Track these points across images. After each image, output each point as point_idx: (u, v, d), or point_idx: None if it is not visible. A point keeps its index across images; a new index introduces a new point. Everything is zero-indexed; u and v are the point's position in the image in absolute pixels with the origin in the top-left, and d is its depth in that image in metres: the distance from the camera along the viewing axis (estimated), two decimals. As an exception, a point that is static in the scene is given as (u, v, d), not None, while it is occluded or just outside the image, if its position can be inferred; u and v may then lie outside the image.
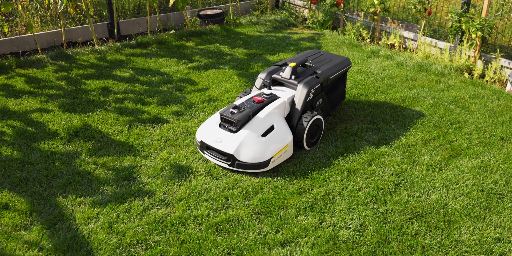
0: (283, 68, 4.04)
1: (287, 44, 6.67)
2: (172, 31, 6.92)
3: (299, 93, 3.72)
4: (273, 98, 3.70)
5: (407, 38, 6.53)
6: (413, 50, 6.34)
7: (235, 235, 2.82)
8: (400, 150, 3.82)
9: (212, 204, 3.11)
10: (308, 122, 3.61)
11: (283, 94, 3.79)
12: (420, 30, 6.28)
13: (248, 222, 2.94)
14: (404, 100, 4.77)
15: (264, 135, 3.46)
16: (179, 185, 3.31)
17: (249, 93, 4.02)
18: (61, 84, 5.08)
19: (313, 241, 2.78)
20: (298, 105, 3.70)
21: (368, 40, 6.83)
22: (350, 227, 2.92)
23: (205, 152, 3.55)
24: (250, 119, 3.51)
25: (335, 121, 4.29)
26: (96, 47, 6.19)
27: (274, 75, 3.94)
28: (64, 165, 3.54)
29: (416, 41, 6.36)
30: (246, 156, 3.36)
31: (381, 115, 4.42)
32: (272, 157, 3.40)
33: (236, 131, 3.46)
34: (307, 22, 8.01)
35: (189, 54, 6.15)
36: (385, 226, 2.93)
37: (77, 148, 3.79)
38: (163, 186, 3.29)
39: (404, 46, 6.60)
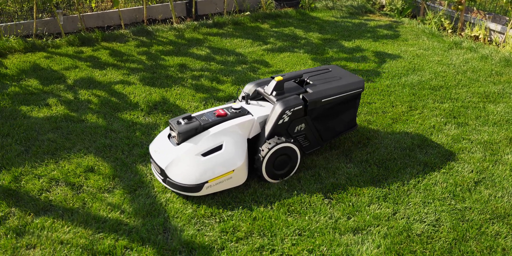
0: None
1: (363, 31, 6.49)
2: (248, 13, 6.95)
3: (272, 113, 3.08)
4: (240, 114, 3.13)
5: (494, 30, 6.13)
6: (500, 44, 5.94)
7: (306, 217, 2.84)
8: (482, 147, 3.63)
9: (284, 184, 3.14)
10: (269, 149, 2.99)
11: (258, 111, 3.18)
12: (509, 23, 5.86)
13: (320, 206, 2.94)
14: (488, 95, 4.51)
15: (205, 154, 2.93)
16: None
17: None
18: (142, 59, 5.29)
19: (386, 231, 2.74)
20: (267, 128, 3.08)
21: (449, 31, 6.49)
22: (425, 221, 2.84)
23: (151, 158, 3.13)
24: (196, 134, 3.02)
25: (411, 112, 4.15)
26: (175, 25, 6.37)
27: (258, 88, 3.34)
28: (144, 135, 3.71)
29: (503, 34, 5.95)
30: (176, 174, 2.91)
31: (462, 110, 4.21)
32: (207, 182, 2.88)
33: (178, 144, 3.01)
34: (385, 9, 7.74)
35: (264, 36, 6.16)
36: (463, 224, 2.82)
37: (155, 120, 3.95)
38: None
39: (489, 38, 6.20)
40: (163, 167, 2.94)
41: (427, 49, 5.79)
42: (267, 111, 3.17)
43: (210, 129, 3.03)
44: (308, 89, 3.25)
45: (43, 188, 3.06)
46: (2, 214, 2.81)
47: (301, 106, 3.11)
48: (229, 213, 2.87)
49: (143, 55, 5.40)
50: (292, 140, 3.10)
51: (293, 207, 2.92)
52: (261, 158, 3.00)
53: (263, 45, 5.79)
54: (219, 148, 2.96)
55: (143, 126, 3.85)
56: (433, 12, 6.90)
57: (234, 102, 3.44)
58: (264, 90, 3.30)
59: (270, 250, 2.59)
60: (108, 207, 2.91)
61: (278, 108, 3.05)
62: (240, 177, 3.01)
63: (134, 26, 6.24)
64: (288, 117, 3.09)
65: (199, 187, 2.88)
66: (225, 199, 2.98)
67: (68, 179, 3.15)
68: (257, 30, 6.35)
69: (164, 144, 3.07)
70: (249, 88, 3.39)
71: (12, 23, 5.89)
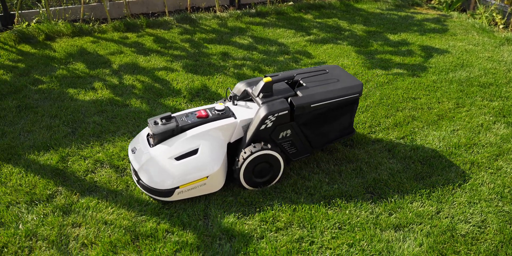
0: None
1: (409, 24, 6.30)
2: (291, 3, 6.87)
3: (255, 118, 2.86)
4: (223, 116, 2.94)
5: (551, 27, 5.81)
6: (557, 41, 5.64)
7: (347, 211, 2.80)
8: (534, 148, 3.48)
9: (324, 177, 3.11)
10: (248, 156, 2.80)
11: (243, 113, 2.96)
12: None
13: (361, 200, 2.90)
14: (542, 95, 4.30)
15: (179, 158, 2.78)
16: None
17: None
18: (185, 46, 5.33)
19: (429, 230, 2.67)
20: (249, 133, 2.87)
21: (501, 26, 6.20)
22: (470, 222, 2.75)
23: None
24: (173, 135, 2.87)
25: (458, 109, 4.01)
26: (218, 13, 6.37)
27: (248, 88, 3.10)
28: (186, 122, 3.75)
29: (562, 30, 5.64)
30: (147, 177, 2.79)
31: (513, 109, 4.04)
32: (178, 187, 2.74)
33: (153, 146, 2.87)
34: (433, 2, 7.48)
35: (307, 26, 6.08)
36: (510, 227, 2.72)
37: (198, 108, 3.98)
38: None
39: (545, 35, 5.89)
40: (136, 168, 2.84)
41: (477, 45, 5.57)
42: (252, 114, 2.94)
43: (187, 132, 2.85)
44: (298, 92, 2.97)
45: (89, 169, 3.15)
46: (50, 192, 2.91)
47: (286, 112, 2.85)
48: (269, 203, 2.87)
49: (186, 42, 5.44)
50: (270, 147, 2.84)
51: (333, 200, 2.89)
52: (239, 165, 2.82)
53: (306, 36, 5.72)
54: (194, 152, 2.79)
55: (185, 113, 3.89)
56: (484, 6, 6.61)
57: (225, 101, 3.22)
58: (252, 90, 3.05)
59: (309, 241, 2.58)
60: (150, 190, 2.96)
61: (261, 113, 2.82)
62: (215, 184, 2.84)
63: (178, 14, 6.29)
64: (271, 123, 2.85)
65: (170, 192, 2.74)
66: (265, 189, 2.98)
67: (112, 162, 3.22)
68: (300, 21, 6.27)
69: (141, 143, 2.93)
70: (238, 88, 3.15)
71: (60, 7, 6.05)
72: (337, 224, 2.71)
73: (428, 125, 3.77)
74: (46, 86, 4.30)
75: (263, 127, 2.84)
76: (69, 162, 3.22)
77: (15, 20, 5.70)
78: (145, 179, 2.79)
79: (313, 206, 2.84)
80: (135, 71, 4.66)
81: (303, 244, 2.56)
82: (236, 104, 3.08)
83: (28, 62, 4.80)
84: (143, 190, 2.86)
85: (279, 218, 2.74)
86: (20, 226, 2.63)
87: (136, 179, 2.90)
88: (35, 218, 2.69)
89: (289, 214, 2.77)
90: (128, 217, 2.72)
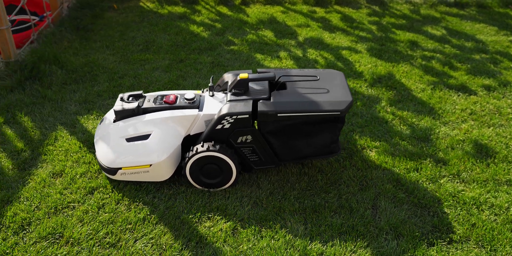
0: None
1: None
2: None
3: (216, 115, 2.64)
4: (188, 106, 2.76)
5: None
6: None
7: (537, 243, 2.45)
8: None
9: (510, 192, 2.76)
10: (193, 155, 2.60)
11: (212, 107, 2.75)
12: None
13: (557, 235, 2.50)
14: None
15: (130, 140, 2.70)
16: (476, 165, 3.03)
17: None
18: (371, 29, 5.15)
19: None
20: (206, 130, 2.67)
21: None
22: None
23: None
24: (134, 115, 2.77)
25: None
26: (411, -2, 5.99)
27: (231, 80, 2.86)
28: (365, 106, 3.64)
29: None
30: (99, 151, 2.78)
31: None
32: (121, 168, 2.67)
33: (114, 122, 2.81)
34: None
35: (513, 25, 5.37)
36: None
37: (378, 94, 3.83)
38: (456, 159, 3.07)
39: None
40: (94, 140, 2.87)
41: None
42: (218, 110, 2.73)
43: (146, 115, 2.74)
44: (272, 97, 2.66)
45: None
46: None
47: (246, 116, 2.56)
48: (445, 210, 2.65)
49: (374, 25, 5.25)
50: (218, 149, 2.58)
51: (521, 227, 2.55)
52: (185, 163, 2.65)
53: (511, 36, 5.06)
54: (146, 137, 2.68)
55: (365, 97, 3.77)
56: None
57: (206, 90, 2.99)
58: (228, 84, 2.84)
59: (487, 264, 2.33)
60: (324, 167, 2.97)
61: (221, 112, 2.61)
62: (159, 174, 2.70)
63: (369, -6, 6.08)
64: (229, 124, 2.59)
65: (113, 171, 2.70)
66: (442, 195, 2.76)
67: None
68: (506, 17, 5.56)
69: (109, 117, 2.91)
70: (224, 78, 2.95)
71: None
72: (523, 254, 2.39)
73: None
74: (237, 48, 4.55)
75: (219, 127, 2.61)
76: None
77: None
78: (97, 152, 2.80)
79: (495, 227, 2.54)
80: (319, 47, 4.66)
81: (480, 265, 2.32)
82: (213, 95, 2.88)
83: (224, 23, 5.13)
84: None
85: (455, 230, 2.52)
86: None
87: (95, 151, 2.94)
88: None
89: (467, 229, 2.52)
90: (297, 190, 2.77)
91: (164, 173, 2.71)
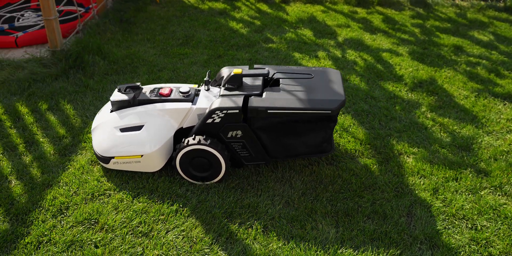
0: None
1: None
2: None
3: (207, 109, 2.67)
4: (182, 99, 2.82)
5: None
6: None
7: None
8: None
9: (559, 215, 2.62)
10: (183, 147, 2.64)
11: (205, 101, 2.80)
12: None
13: None
14: None
15: (123, 130, 2.78)
16: (520, 178, 2.90)
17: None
18: (414, 31, 5.02)
19: None
20: (197, 123, 2.72)
21: None
22: None
23: None
24: (130, 106, 2.84)
25: None
26: (457, 1, 5.81)
27: (227, 75, 2.88)
28: (404, 111, 3.55)
29: None
30: (94, 139, 2.88)
31: None
32: (114, 158, 2.74)
33: (111, 112, 2.89)
34: None
35: None
36: None
37: (418, 99, 3.73)
38: (499, 171, 2.95)
39: None
40: (92, 128, 2.94)
41: None
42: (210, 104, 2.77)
43: (141, 106, 2.82)
44: (264, 93, 2.69)
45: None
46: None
47: (236, 111, 2.59)
48: (484, 223, 2.55)
49: (417, 27, 5.11)
50: (209, 143, 2.61)
51: None
52: (175, 154, 2.70)
53: None
54: (139, 128, 2.76)
55: (404, 102, 3.68)
56: None
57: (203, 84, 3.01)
58: (222, 80, 2.87)
59: (527, 282, 2.23)
60: (358, 171, 2.91)
61: (212, 106, 2.64)
62: (151, 164, 2.77)
63: (413, -4, 5.93)
64: (220, 119, 2.63)
65: (106, 159, 2.77)
66: (482, 207, 2.66)
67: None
68: (558, 25, 5.30)
69: (107, 107, 3.00)
70: (220, 72, 2.98)
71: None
72: None
73: None
74: (275, 46, 4.53)
75: (209, 120, 2.65)
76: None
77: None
78: (93, 140, 2.90)
79: (538, 244, 2.42)
80: (359, 48, 4.58)
81: (519, 282, 2.22)
82: (208, 90, 2.93)
83: (263, 20, 5.12)
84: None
85: (494, 245, 2.42)
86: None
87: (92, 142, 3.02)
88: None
89: (507, 244, 2.42)
90: (330, 192, 2.73)
91: (155, 164, 2.78)
